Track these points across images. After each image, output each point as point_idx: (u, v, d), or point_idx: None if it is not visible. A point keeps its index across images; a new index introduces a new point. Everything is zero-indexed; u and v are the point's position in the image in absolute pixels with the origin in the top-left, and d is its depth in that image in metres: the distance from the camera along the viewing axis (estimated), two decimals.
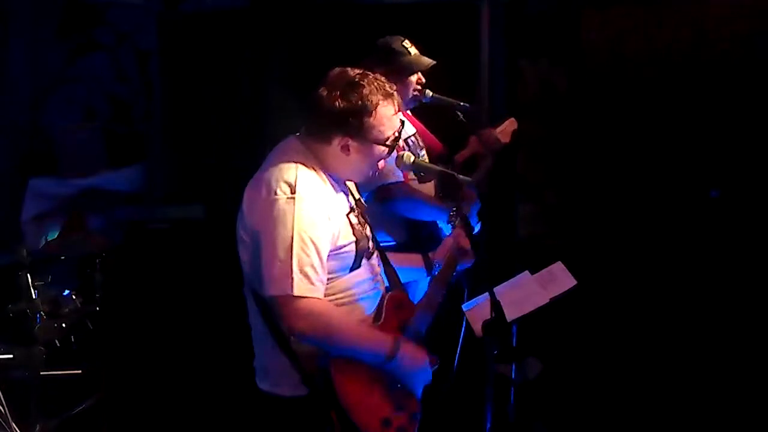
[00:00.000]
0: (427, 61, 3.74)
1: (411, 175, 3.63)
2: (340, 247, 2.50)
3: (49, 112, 6.14)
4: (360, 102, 2.47)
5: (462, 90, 4.22)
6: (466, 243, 3.00)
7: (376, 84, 2.52)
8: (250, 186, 2.55)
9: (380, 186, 3.38)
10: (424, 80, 3.78)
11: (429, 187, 3.73)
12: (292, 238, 2.36)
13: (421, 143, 3.80)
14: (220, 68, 5.79)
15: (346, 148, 2.51)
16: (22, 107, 6.02)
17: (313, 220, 2.40)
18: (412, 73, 3.68)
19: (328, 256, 2.46)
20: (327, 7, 5.73)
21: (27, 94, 6.06)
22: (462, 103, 3.89)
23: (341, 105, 2.47)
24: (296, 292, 2.35)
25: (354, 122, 2.48)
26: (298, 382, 2.45)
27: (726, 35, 5.39)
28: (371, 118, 2.49)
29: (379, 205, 3.41)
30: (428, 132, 3.93)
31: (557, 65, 5.78)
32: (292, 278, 2.35)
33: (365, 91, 2.48)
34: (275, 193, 2.41)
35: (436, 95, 3.84)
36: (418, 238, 3.54)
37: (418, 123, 3.85)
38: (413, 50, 3.73)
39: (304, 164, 2.49)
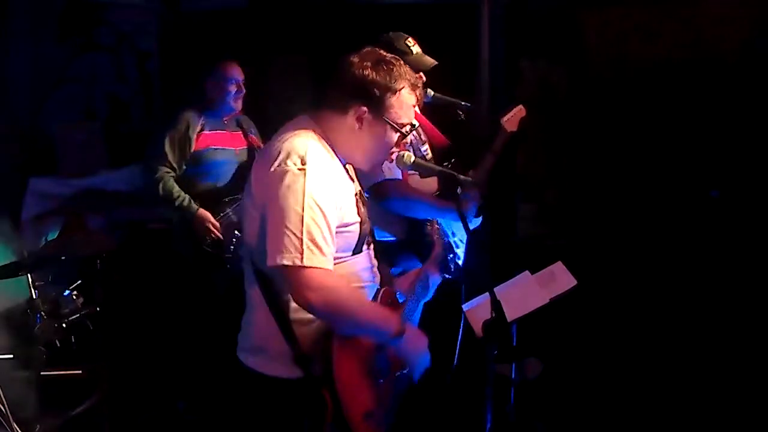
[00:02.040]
0: (430, 61, 3.75)
1: (411, 170, 3.63)
2: (346, 225, 2.49)
3: (49, 112, 6.14)
4: (388, 78, 2.48)
5: (462, 90, 4.22)
6: (433, 270, 3.01)
7: (405, 69, 2.54)
8: (259, 159, 2.54)
9: (376, 184, 3.38)
10: (425, 79, 3.79)
11: (431, 182, 3.73)
12: (303, 208, 2.34)
13: (423, 137, 3.81)
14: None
15: (360, 120, 2.50)
16: (22, 107, 6.02)
17: (324, 192, 2.39)
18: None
19: (336, 232, 2.45)
20: (327, 7, 5.74)
21: (27, 94, 6.06)
22: (463, 103, 3.89)
23: (369, 75, 2.47)
24: (306, 262, 2.32)
25: (377, 94, 2.48)
26: (289, 361, 2.43)
27: (725, 36, 5.40)
28: (394, 98, 2.50)
29: (375, 203, 3.41)
30: (432, 126, 3.93)
31: (557, 65, 5.79)
32: (302, 249, 2.32)
33: (395, 71, 2.50)
34: (285, 165, 2.38)
35: (437, 95, 3.85)
36: (418, 235, 3.54)
37: (422, 117, 3.85)
38: (416, 49, 3.74)
39: (315, 137, 2.49)
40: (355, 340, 2.52)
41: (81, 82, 6.20)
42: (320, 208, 2.36)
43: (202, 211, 4.44)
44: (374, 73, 2.47)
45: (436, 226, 3.20)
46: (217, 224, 4.46)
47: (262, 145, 4.70)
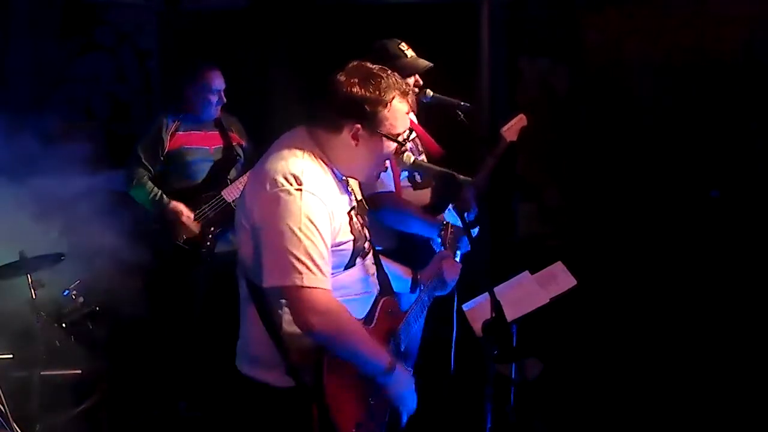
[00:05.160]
0: (424, 63, 3.75)
1: (405, 183, 3.62)
2: (339, 244, 2.49)
3: (50, 111, 6.13)
4: (378, 92, 2.47)
5: (462, 90, 4.22)
6: (452, 268, 3.00)
7: (394, 79, 2.52)
8: (254, 176, 2.53)
9: (370, 195, 3.37)
10: (421, 82, 3.78)
11: (424, 196, 3.72)
12: (301, 229, 2.34)
13: (420, 147, 3.80)
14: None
15: (355, 138, 2.49)
16: (22, 107, 6.01)
17: (320, 212, 2.39)
18: (410, 75, 3.68)
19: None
20: (327, 7, 5.73)
21: (27, 94, 6.06)
22: (462, 103, 3.89)
23: (359, 92, 2.45)
24: (306, 282, 2.33)
25: (369, 111, 2.46)
26: (282, 372, 2.43)
27: (725, 36, 5.40)
28: (386, 110, 2.48)
29: (368, 213, 3.41)
30: (427, 135, 3.94)
31: (557, 65, 5.79)
32: (303, 270, 2.32)
33: (383, 84, 2.48)
34: (281, 185, 2.38)
35: (437, 95, 3.85)
36: (407, 247, 3.53)
37: (418, 126, 3.86)
38: (410, 53, 3.74)
39: (310, 156, 2.48)
40: None
41: (81, 82, 6.20)
42: (317, 228, 2.36)
43: (175, 204, 4.53)
44: (363, 89, 2.45)
45: (451, 229, 3.19)
46: (191, 215, 4.55)
47: (243, 142, 4.75)
